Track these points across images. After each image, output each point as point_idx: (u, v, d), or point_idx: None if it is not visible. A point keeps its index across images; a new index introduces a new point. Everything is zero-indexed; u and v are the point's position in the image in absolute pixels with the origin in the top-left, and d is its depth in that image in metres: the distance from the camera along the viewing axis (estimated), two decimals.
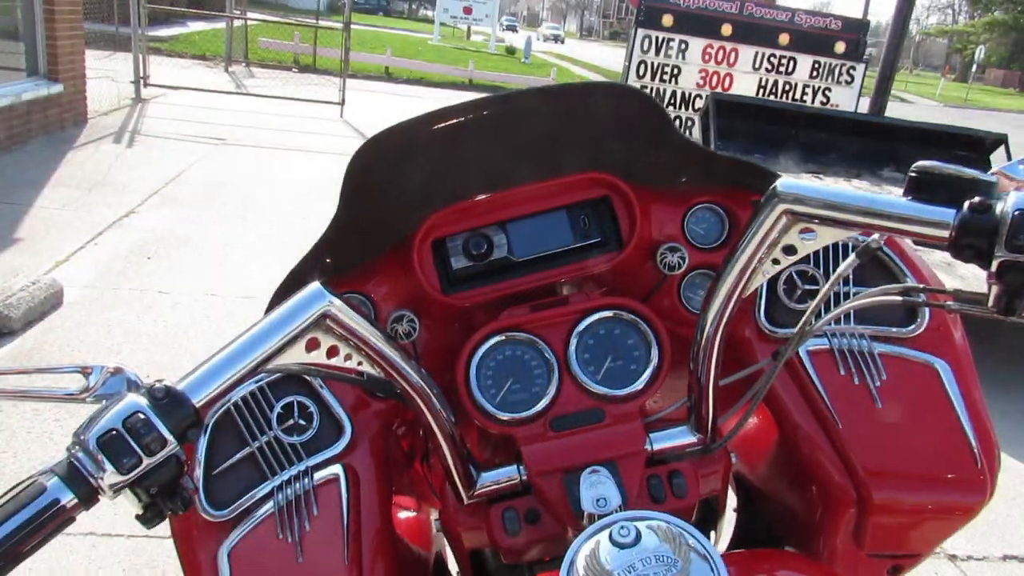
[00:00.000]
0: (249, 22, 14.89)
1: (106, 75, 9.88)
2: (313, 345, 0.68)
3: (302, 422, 0.90)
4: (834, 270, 0.98)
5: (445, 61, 18.75)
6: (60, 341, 3.61)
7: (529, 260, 1.02)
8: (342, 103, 10.65)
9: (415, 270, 0.98)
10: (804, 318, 0.79)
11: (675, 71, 9.11)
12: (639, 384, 0.91)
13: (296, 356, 0.67)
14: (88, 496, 0.55)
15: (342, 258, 0.98)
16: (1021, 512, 3.17)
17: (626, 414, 0.90)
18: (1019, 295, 0.60)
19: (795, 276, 1.00)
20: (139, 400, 0.57)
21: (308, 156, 7.96)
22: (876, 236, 0.74)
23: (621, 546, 0.65)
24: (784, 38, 9.19)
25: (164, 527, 0.70)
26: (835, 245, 1.01)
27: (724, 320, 0.77)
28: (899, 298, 0.79)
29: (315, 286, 0.68)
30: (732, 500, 1.12)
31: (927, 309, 0.96)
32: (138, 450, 0.56)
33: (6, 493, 0.55)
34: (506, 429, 0.90)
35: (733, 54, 9.18)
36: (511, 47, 29.58)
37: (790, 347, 0.81)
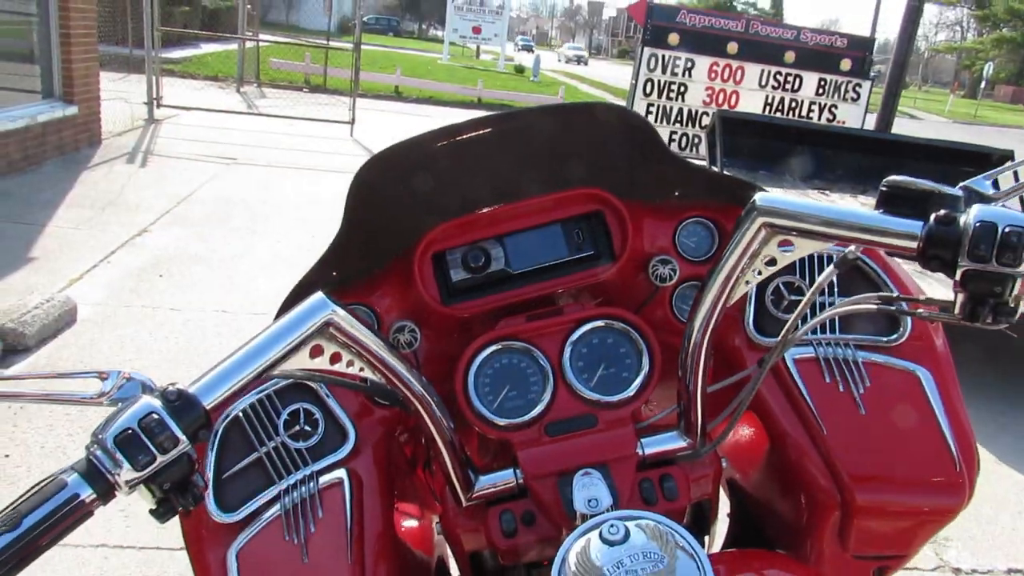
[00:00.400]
0: (261, 43, 15.07)
1: (120, 96, 10.05)
2: (317, 352, 0.71)
3: (308, 428, 0.93)
4: None
5: (455, 80, 18.88)
6: (74, 357, 3.67)
7: (525, 272, 1.05)
8: (352, 122, 10.75)
9: (416, 282, 1.02)
10: (787, 326, 0.82)
11: (682, 89, 9.17)
12: (631, 391, 0.94)
13: (301, 362, 0.70)
14: (106, 491, 0.58)
15: (346, 270, 1.01)
16: None
17: (618, 419, 0.93)
18: (982, 303, 0.64)
19: (782, 287, 1.03)
20: (153, 402, 0.60)
21: (318, 175, 8.03)
22: (852, 248, 0.78)
23: (611, 543, 0.68)
24: (790, 56, 9.25)
25: (175, 537, 0.73)
26: (820, 258, 1.04)
27: (710, 328, 0.80)
28: (874, 306, 0.82)
29: (318, 296, 0.71)
30: (726, 506, 1.14)
31: (909, 319, 0.99)
32: (152, 448, 0.58)
33: (30, 489, 0.58)
34: (503, 434, 0.93)
35: (739, 72, 9.24)
36: (520, 66, 29.71)
37: (774, 354, 0.84)
